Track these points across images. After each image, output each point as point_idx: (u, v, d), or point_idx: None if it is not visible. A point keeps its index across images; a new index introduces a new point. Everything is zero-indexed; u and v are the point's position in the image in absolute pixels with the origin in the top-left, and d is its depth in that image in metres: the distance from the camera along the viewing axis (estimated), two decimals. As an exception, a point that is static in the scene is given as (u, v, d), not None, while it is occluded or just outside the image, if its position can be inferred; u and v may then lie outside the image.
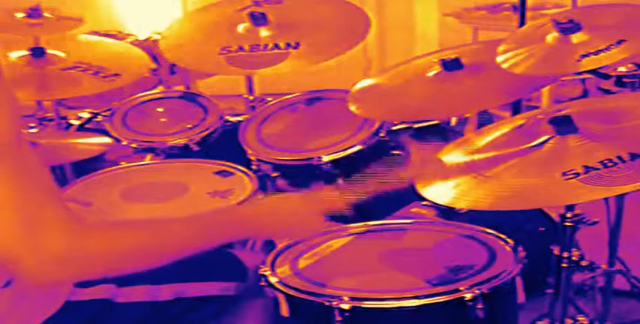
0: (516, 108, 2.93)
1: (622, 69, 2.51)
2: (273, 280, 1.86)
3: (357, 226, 2.10)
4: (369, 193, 1.89)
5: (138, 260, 1.51)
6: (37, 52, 2.93)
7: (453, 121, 2.59)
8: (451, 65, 2.38)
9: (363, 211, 1.94)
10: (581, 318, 2.30)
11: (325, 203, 1.82)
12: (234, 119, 2.85)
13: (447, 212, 2.28)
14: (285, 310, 1.83)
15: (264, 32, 2.80)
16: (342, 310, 1.75)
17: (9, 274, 1.52)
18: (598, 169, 1.73)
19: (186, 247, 1.56)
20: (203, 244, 1.59)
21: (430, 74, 2.42)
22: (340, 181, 2.45)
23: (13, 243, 1.40)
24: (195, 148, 2.72)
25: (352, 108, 2.44)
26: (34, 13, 3.19)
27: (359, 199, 1.85)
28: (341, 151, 2.45)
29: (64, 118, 3.37)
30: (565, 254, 2.21)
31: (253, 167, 2.48)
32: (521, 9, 2.85)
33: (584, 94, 4.12)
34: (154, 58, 3.31)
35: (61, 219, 1.44)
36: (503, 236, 1.96)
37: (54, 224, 1.42)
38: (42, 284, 1.51)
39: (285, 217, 1.77)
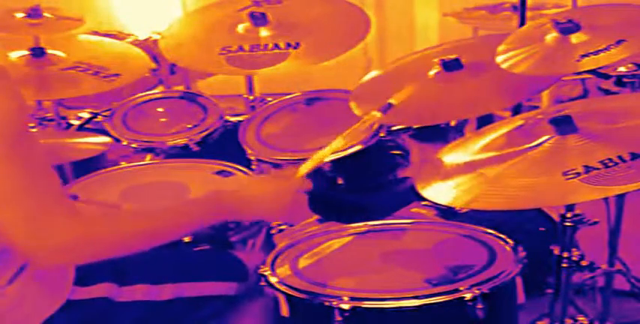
0: (517, 108, 2.93)
1: (622, 69, 2.50)
2: (273, 280, 1.86)
3: (357, 226, 2.10)
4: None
5: (137, 243, 1.64)
6: (37, 52, 2.93)
7: (453, 121, 2.59)
8: (451, 65, 2.38)
9: (363, 210, 1.93)
10: (581, 318, 2.30)
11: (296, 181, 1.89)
12: (234, 119, 2.84)
13: (447, 212, 2.28)
14: (285, 310, 1.82)
15: (264, 32, 2.80)
16: (342, 310, 1.75)
17: (22, 258, 1.61)
18: (598, 169, 1.73)
19: (179, 229, 1.74)
20: (193, 225, 1.75)
21: (430, 74, 2.41)
22: (340, 180, 2.46)
23: (19, 230, 1.50)
24: (195, 148, 2.72)
25: (353, 108, 2.43)
26: (34, 13, 3.18)
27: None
28: (341, 151, 2.45)
29: (64, 118, 3.37)
30: (565, 254, 2.21)
31: (253, 167, 2.48)
32: (521, 9, 2.86)
33: (584, 94, 4.12)
34: (154, 58, 3.31)
35: (64, 208, 1.54)
36: (503, 236, 1.96)
37: (58, 212, 1.52)
38: (50, 267, 1.63)
39: (265, 198, 1.82)
